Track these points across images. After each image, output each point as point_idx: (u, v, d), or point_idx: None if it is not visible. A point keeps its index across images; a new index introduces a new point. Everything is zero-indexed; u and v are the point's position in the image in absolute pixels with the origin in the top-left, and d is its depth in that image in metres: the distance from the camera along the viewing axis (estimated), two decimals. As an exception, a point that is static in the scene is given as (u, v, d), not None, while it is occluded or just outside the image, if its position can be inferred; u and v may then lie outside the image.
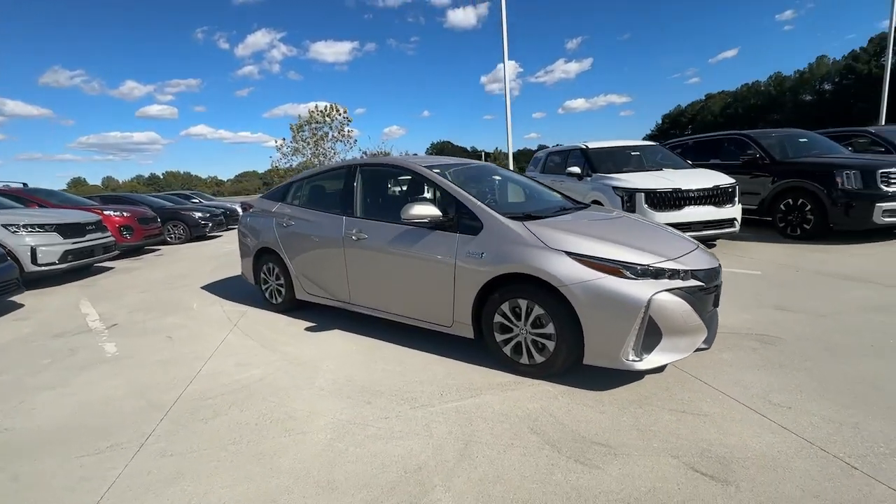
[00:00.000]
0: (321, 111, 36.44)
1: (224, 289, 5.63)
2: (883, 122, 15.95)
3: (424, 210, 2.96)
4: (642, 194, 5.89)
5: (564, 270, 2.49)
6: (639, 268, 2.43)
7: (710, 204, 5.90)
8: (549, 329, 2.58)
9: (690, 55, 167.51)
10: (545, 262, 2.55)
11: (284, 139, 36.73)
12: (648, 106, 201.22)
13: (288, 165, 37.67)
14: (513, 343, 2.77)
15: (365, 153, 46.81)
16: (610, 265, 2.45)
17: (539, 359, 2.67)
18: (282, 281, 4.30)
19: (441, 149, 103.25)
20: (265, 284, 4.53)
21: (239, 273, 5.19)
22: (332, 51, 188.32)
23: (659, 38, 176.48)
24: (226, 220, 12.50)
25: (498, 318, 2.80)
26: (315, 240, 3.88)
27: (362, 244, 3.46)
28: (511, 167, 13.47)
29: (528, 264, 2.59)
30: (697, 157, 8.26)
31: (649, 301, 2.32)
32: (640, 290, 2.36)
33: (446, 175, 3.37)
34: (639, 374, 2.65)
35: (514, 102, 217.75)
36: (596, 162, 7.18)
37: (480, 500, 1.73)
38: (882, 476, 1.73)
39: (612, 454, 1.96)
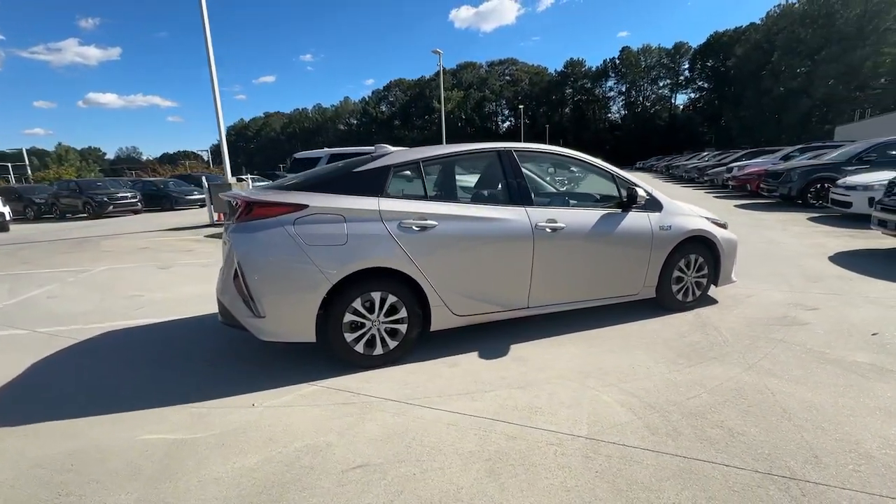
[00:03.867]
0: None
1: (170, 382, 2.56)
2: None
3: (644, 192, 3.40)
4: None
5: (714, 230, 3.84)
6: (724, 222, 4.14)
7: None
8: (705, 270, 3.85)
9: (235, 73, 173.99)
10: (705, 226, 3.80)
11: None
12: (200, 115, 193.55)
13: None
14: (683, 289, 3.80)
15: None
16: (720, 222, 4.02)
17: (697, 293, 3.88)
18: (402, 314, 2.86)
19: None
20: (354, 332, 2.77)
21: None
22: None
23: (198, 45, 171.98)
24: None
25: (676, 273, 3.73)
26: (488, 239, 3.00)
27: (558, 235, 3.20)
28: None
29: (700, 229, 3.74)
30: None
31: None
32: (733, 235, 4.09)
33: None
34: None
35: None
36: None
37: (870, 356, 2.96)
38: (813, 294, 4.32)
39: (803, 314, 3.63)
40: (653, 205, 3.64)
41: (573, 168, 4.01)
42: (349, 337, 2.78)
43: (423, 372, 2.83)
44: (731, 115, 56.41)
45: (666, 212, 3.66)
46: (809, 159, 12.91)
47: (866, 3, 42.47)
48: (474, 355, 3.05)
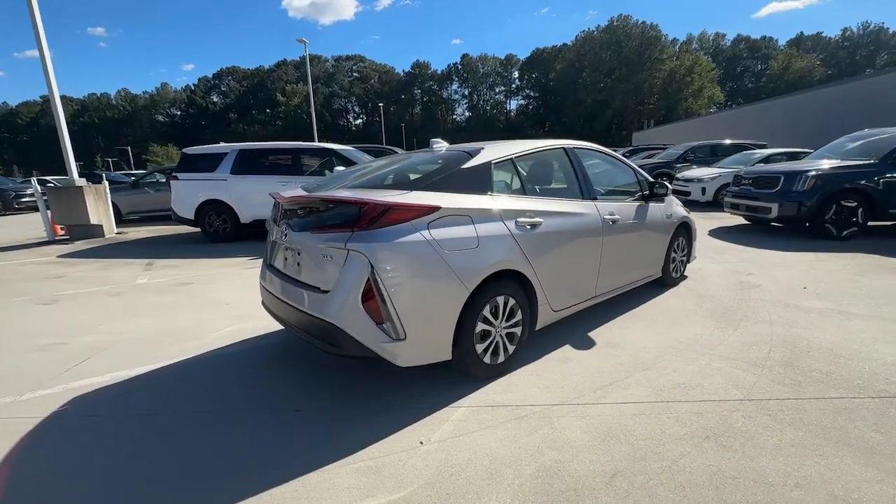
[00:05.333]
0: None
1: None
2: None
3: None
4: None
5: (689, 214, 4.62)
6: (688, 210, 4.99)
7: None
8: (686, 250, 4.62)
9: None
10: (686, 213, 4.54)
11: None
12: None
13: None
14: (674, 267, 4.49)
15: None
16: (686, 209, 4.85)
17: (682, 270, 4.63)
18: (518, 318, 2.74)
19: None
20: (483, 342, 2.55)
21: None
22: None
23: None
24: None
25: (673, 254, 4.39)
26: (576, 233, 3.07)
27: (616, 226, 3.46)
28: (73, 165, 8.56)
29: (686, 216, 4.48)
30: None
31: (692, 224, 5.01)
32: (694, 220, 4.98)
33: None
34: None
35: None
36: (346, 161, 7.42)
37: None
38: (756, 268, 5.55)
39: (749, 279, 4.63)
40: (661, 196, 4.20)
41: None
42: (479, 348, 2.56)
43: (549, 372, 2.78)
44: (555, 119, 66.22)
45: (668, 202, 4.27)
46: (644, 158, 16.14)
47: (642, 36, 54.52)
48: (569, 348, 3.12)
